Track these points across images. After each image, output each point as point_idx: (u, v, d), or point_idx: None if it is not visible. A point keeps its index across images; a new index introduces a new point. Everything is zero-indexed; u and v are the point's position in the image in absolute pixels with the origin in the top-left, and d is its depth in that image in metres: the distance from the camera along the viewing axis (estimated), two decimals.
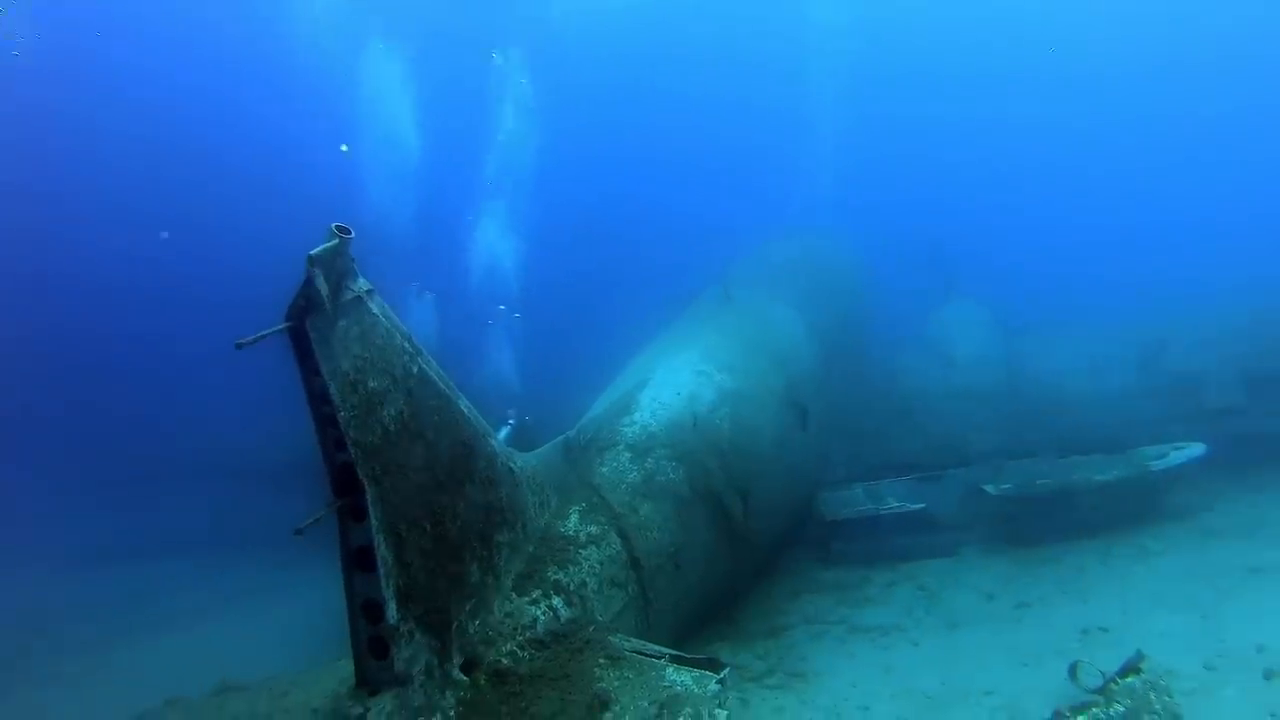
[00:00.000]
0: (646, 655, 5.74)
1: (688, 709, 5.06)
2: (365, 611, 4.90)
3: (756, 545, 9.39)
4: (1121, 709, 5.89)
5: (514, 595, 6.00)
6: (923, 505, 10.84)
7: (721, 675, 5.36)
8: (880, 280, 18.87)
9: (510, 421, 12.19)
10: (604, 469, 7.88)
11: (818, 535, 10.88)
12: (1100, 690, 6.16)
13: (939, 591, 9.37)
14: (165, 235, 30.64)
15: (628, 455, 8.15)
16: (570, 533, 6.87)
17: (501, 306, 18.78)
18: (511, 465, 6.36)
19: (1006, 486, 10.82)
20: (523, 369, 17.20)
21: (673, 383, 9.46)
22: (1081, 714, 5.87)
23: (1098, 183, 36.12)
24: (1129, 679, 6.18)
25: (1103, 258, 26.05)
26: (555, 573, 6.37)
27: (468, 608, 5.50)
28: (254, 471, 15.89)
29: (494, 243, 21.19)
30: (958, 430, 12.82)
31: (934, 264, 17.82)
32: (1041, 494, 10.66)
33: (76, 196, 32.95)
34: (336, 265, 4.55)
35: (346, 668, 6.72)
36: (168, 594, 12.84)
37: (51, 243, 31.11)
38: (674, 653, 5.77)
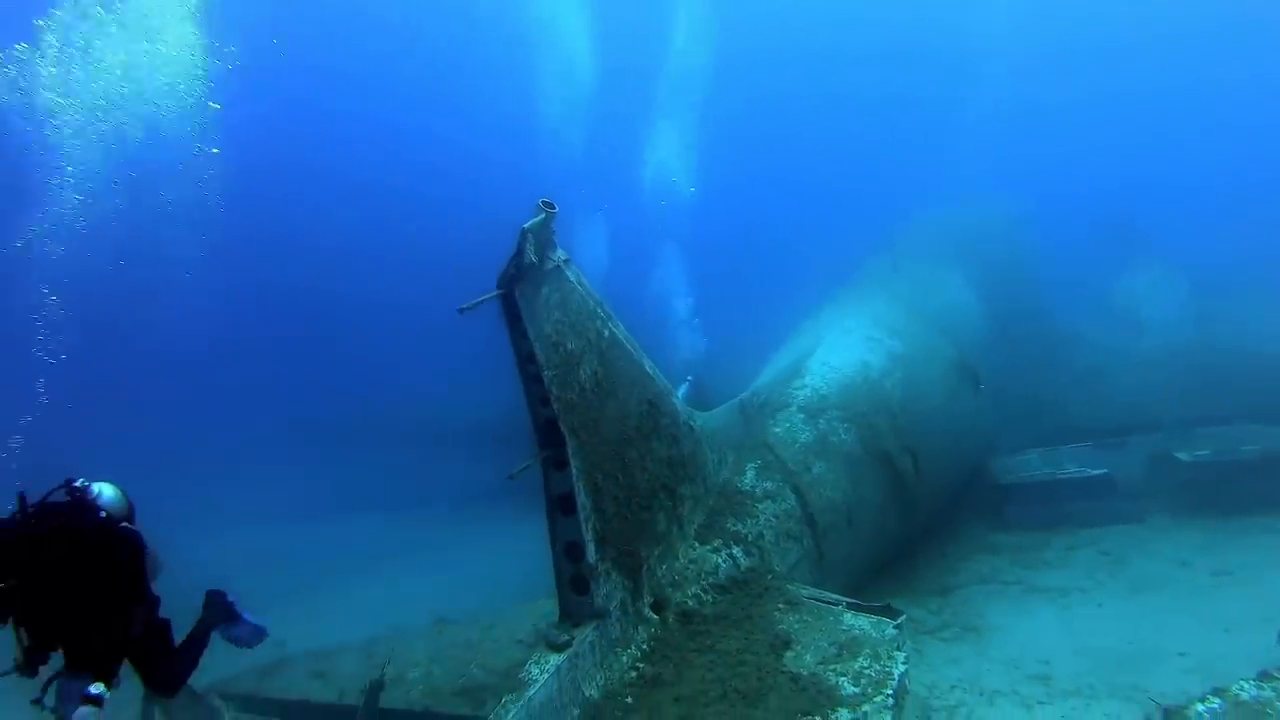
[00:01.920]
0: (824, 602, 6.05)
1: (866, 650, 5.34)
2: (567, 552, 5.42)
3: (926, 506, 9.48)
4: None
5: (697, 544, 6.42)
6: (1105, 471, 10.56)
7: (899, 621, 5.60)
8: (1058, 245, 18.19)
9: (689, 378, 12.65)
10: (777, 429, 8.18)
11: (991, 500, 10.78)
12: None
13: (1124, 557, 9.09)
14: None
15: (800, 416, 8.42)
16: (747, 488, 7.23)
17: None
18: (692, 423, 6.77)
19: (1203, 453, 10.37)
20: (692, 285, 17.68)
21: (843, 347, 9.66)
22: None
23: None
24: None
25: None
26: (734, 524, 6.75)
27: (656, 552, 5.96)
28: (436, 436, 17.25)
29: (666, 164, 21.48)
30: (1144, 396, 12.32)
31: (1120, 229, 17.07)
32: (1245, 461, 10.15)
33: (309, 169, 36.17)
34: (542, 237, 5.04)
35: (540, 607, 7.49)
36: (368, 543, 14.19)
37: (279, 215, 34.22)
38: (850, 600, 6.04)
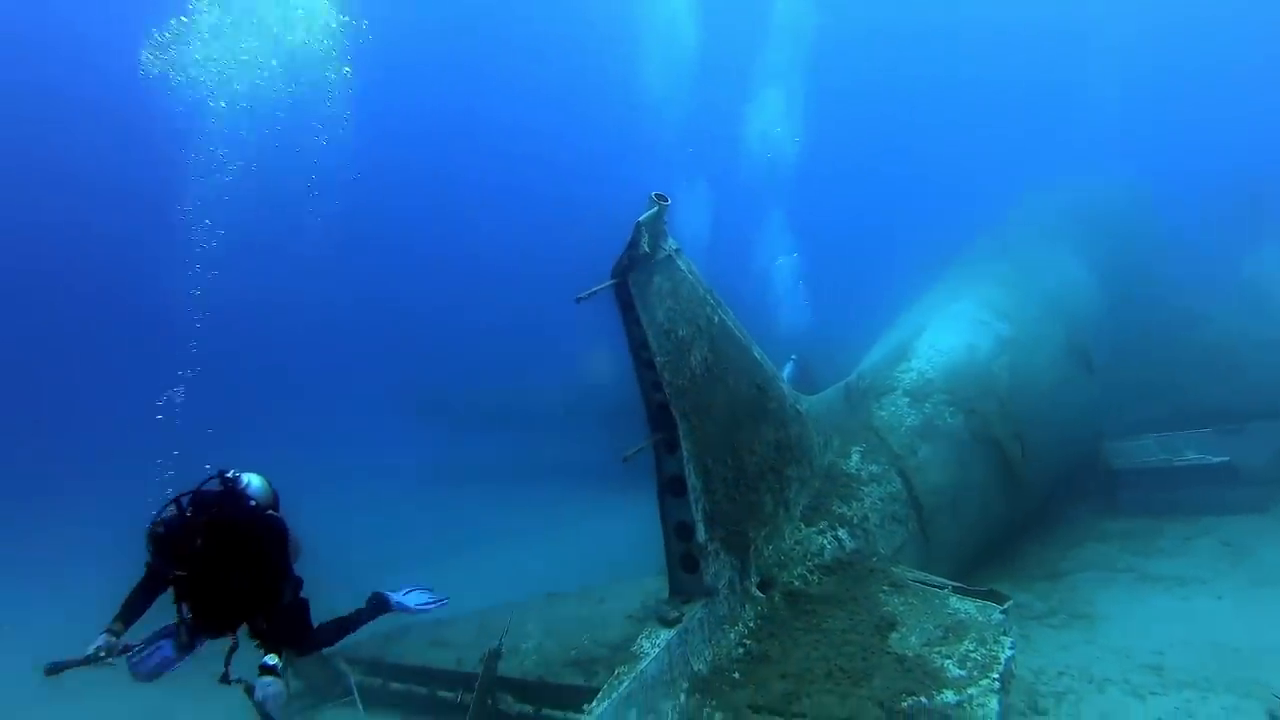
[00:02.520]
0: (929, 585, 6.11)
1: (972, 634, 5.39)
2: (678, 532, 5.63)
3: (1034, 490, 9.37)
4: None
5: (802, 525, 6.55)
6: (1226, 458, 10.18)
7: (1005, 606, 5.63)
8: (1181, 222, 17.42)
9: (793, 358, 12.70)
10: (883, 413, 8.21)
11: (1102, 485, 10.54)
12: None
13: (1247, 547, 8.70)
14: None
15: (905, 400, 8.43)
16: (852, 470, 7.31)
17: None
18: (798, 407, 6.89)
19: None
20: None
21: (949, 330, 9.59)
22: None
23: None
24: None
25: None
26: (839, 506, 6.85)
27: (763, 533, 6.12)
28: (549, 417, 17.80)
29: (769, 131, 21.39)
30: (1270, 380, 11.78)
31: (1249, 204, 16.25)
32: None
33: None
34: (655, 228, 5.23)
35: (648, 583, 7.74)
36: (482, 518, 14.78)
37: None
38: (956, 584, 6.09)
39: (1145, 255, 14.91)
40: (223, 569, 5.03)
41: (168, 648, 5.17)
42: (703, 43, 24.70)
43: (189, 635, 5.17)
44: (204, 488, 5.25)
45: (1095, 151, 24.44)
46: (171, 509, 5.01)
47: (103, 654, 4.88)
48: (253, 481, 5.46)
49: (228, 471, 5.38)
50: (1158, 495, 10.15)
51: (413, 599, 6.58)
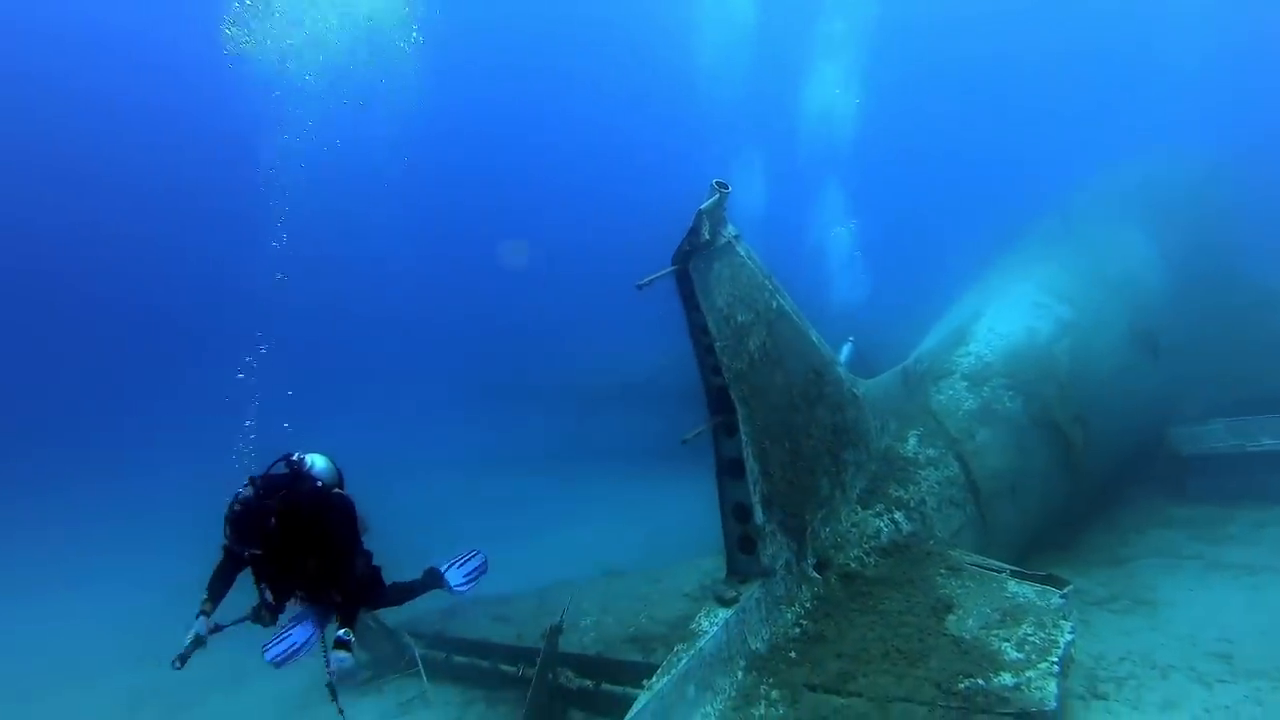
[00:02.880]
0: (987, 569, 6.12)
1: (1030, 617, 5.40)
2: (736, 513, 5.73)
3: (1096, 476, 9.26)
4: None
5: (859, 508, 6.60)
6: None
7: (1065, 590, 5.62)
8: (1260, 199, 16.79)
9: (850, 339, 12.67)
10: (940, 396, 8.19)
11: (1169, 471, 10.31)
12: None
13: None
14: None
15: (964, 384, 8.39)
16: (909, 454, 7.32)
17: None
18: (855, 391, 6.91)
19: None
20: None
21: (1009, 313, 9.49)
22: None
23: None
24: None
25: None
26: (896, 490, 6.87)
27: (820, 515, 6.19)
28: (604, 398, 18.03)
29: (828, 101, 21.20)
30: None
31: None
32: None
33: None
34: (715, 215, 5.30)
35: (704, 564, 7.87)
36: (538, 498, 15.06)
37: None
38: (1014, 568, 6.09)
39: (1219, 234, 14.46)
40: (295, 548, 5.27)
41: (303, 632, 5.52)
42: (760, 17, 24.57)
43: (269, 614, 5.45)
44: (272, 471, 5.50)
45: (1172, 124, 23.65)
46: (246, 490, 5.24)
47: (204, 637, 5.19)
48: (317, 462, 5.69)
49: (293, 455, 5.63)
50: (1229, 481, 9.90)
51: (456, 575, 6.79)
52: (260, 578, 5.43)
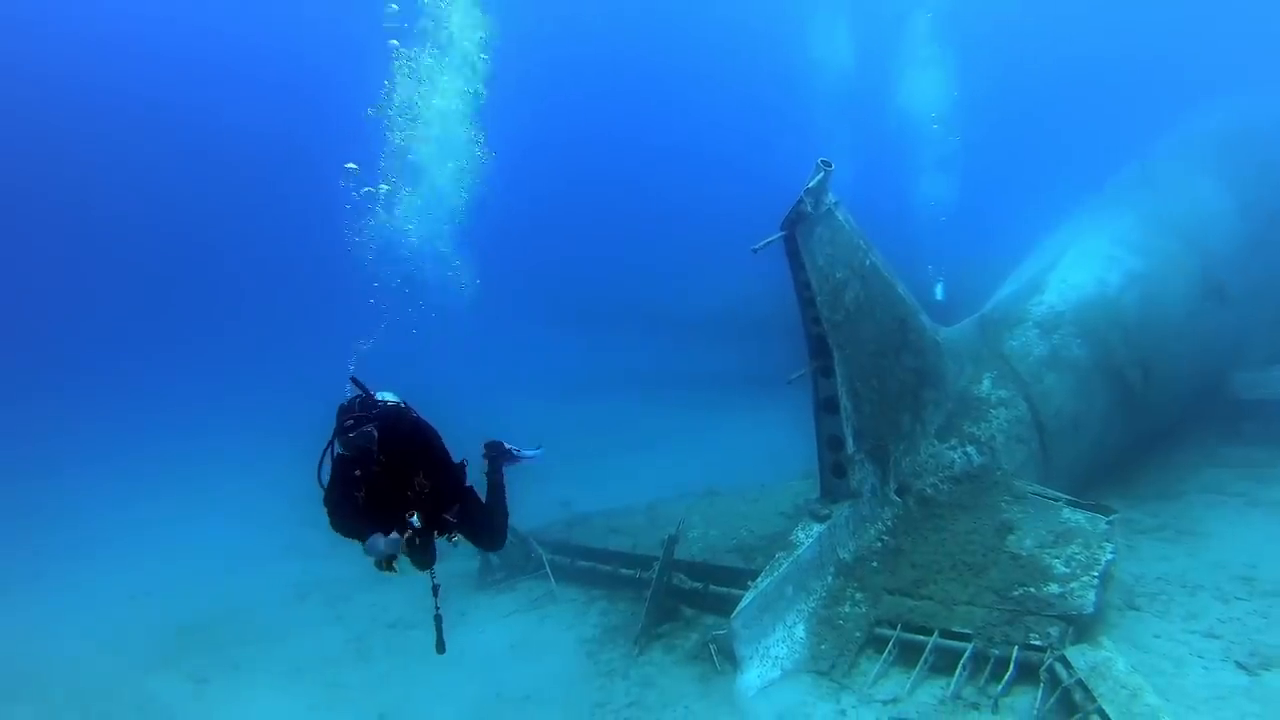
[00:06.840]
0: (1045, 497, 7.04)
1: (1079, 539, 6.34)
2: (830, 443, 6.73)
3: (1157, 417, 9.90)
4: None
5: (936, 441, 7.52)
6: None
7: (1111, 518, 6.53)
8: None
9: (941, 280, 13.26)
10: (1013, 343, 8.94)
11: (1228, 414, 10.82)
12: None
13: None
14: None
15: (1035, 331, 9.11)
16: (983, 395, 8.17)
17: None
18: (936, 338, 7.78)
19: None
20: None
21: (1082, 265, 10.06)
22: None
23: None
24: None
25: None
26: (970, 426, 7.76)
27: (902, 447, 7.15)
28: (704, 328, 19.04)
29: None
30: None
31: None
32: None
33: None
34: (819, 189, 6.18)
35: (794, 486, 8.85)
36: (631, 421, 16.21)
37: None
38: (1069, 498, 6.99)
39: None
40: (403, 467, 5.19)
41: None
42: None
43: (422, 541, 5.20)
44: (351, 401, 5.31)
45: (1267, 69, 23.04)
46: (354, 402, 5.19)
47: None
48: (388, 398, 5.51)
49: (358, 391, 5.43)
50: None
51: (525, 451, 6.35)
52: (375, 505, 5.12)
